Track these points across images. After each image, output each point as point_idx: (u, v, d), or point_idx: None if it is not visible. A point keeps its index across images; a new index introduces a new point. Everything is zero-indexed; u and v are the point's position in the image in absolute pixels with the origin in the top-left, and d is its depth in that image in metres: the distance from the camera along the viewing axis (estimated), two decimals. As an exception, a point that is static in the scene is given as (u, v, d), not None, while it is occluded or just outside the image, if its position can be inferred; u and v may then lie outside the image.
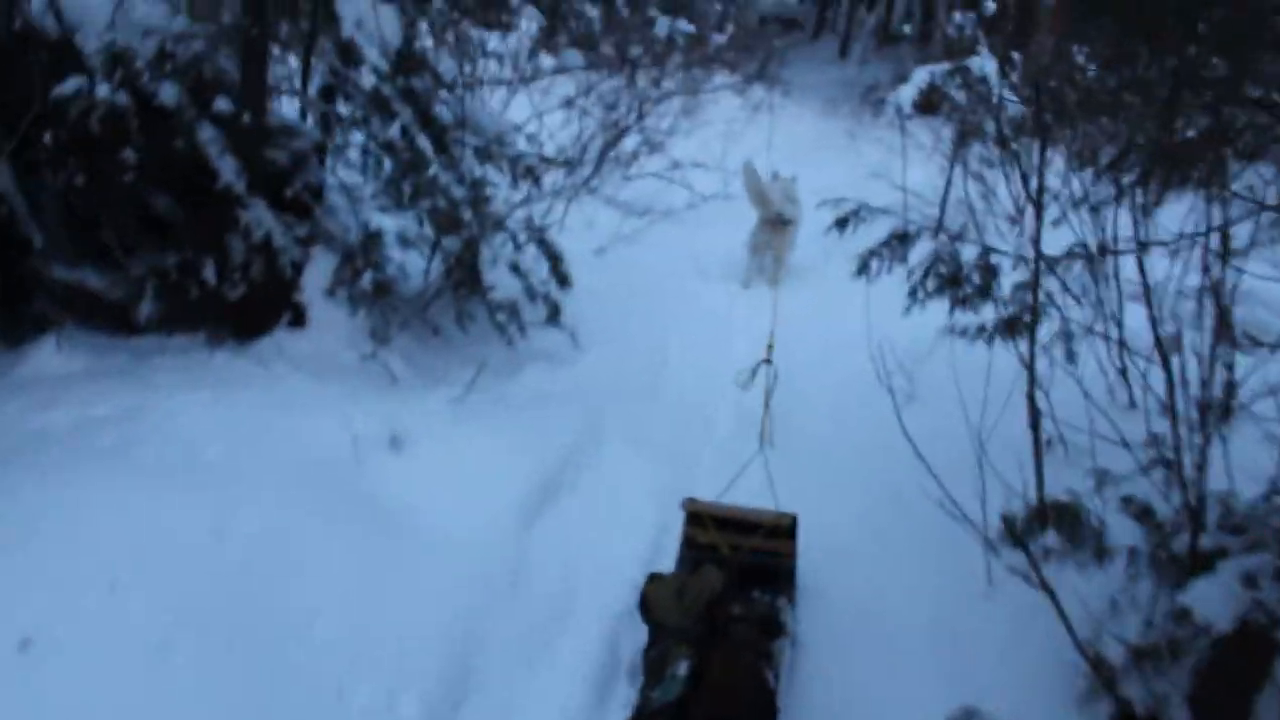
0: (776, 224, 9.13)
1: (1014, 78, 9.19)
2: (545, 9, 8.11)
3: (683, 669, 3.63)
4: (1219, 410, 4.25)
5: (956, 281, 4.85)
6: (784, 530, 4.54)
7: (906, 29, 18.44)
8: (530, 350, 6.49)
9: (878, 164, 13.19)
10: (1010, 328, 4.82)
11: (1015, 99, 8.85)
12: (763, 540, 4.51)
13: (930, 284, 4.94)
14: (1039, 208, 5.34)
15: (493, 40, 9.75)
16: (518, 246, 6.59)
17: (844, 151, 14.82)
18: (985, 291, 4.86)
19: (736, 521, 4.55)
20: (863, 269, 5.10)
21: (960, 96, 9.63)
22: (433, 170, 5.53)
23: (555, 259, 6.96)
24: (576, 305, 7.10)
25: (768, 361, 6.11)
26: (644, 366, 6.77)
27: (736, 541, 4.50)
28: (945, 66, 9.78)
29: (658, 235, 9.18)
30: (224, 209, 5.98)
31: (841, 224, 5.15)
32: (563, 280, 7.04)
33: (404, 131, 5.55)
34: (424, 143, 5.56)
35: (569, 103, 9.22)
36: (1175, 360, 4.48)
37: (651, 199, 9.92)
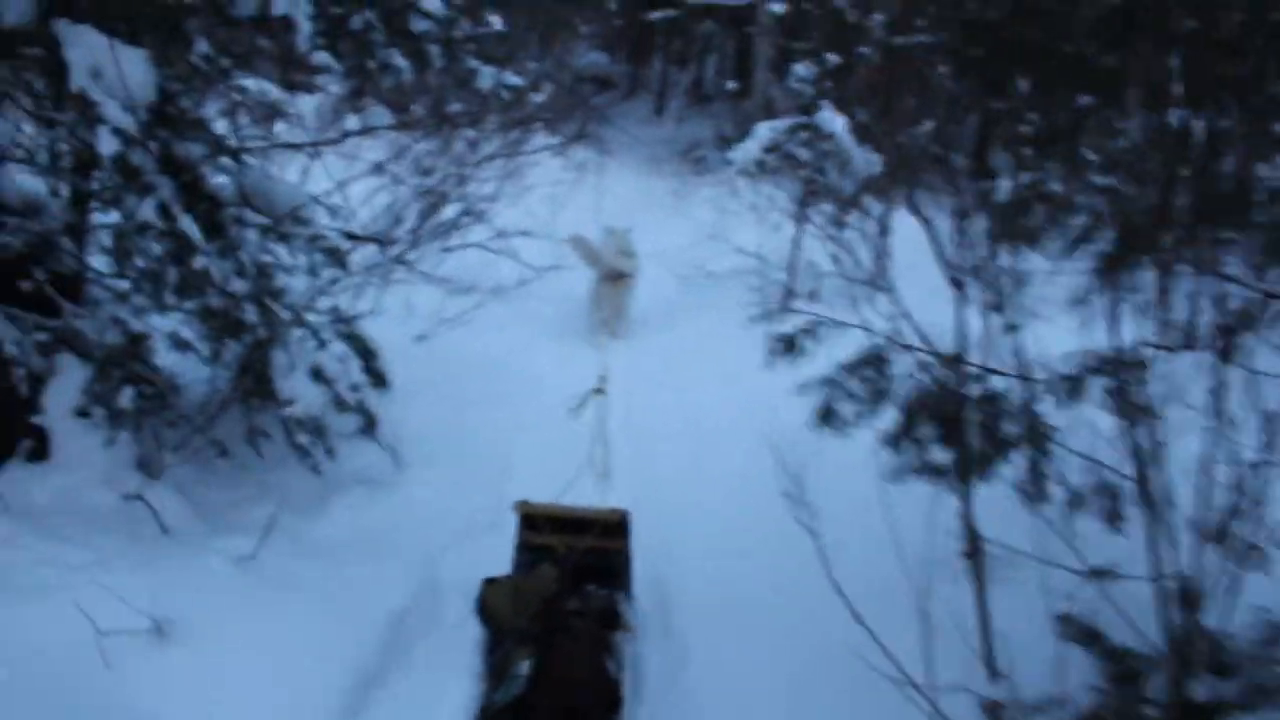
0: (613, 278, 8.90)
1: (873, 132, 8.44)
2: (349, 66, 6.95)
3: (524, 668, 3.56)
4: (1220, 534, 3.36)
5: (954, 424, 3.78)
6: (617, 526, 4.50)
7: (731, 85, 17.83)
8: (341, 474, 5.16)
9: (710, 224, 12.37)
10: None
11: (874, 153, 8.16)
12: (596, 538, 4.47)
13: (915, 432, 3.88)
14: (958, 285, 4.40)
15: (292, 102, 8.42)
16: (321, 344, 5.28)
17: (673, 212, 13.96)
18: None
19: (570, 520, 4.50)
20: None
21: (803, 153, 8.82)
22: (201, 260, 4.20)
23: (368, 355, 5.69)
24: (396, 409, 5.83)
25: (599, 391, 5.92)
26: (484, 482, 5.47)
27: (571, 541, 4.44)
28: (786, 122, 8.97)
29: (487, 316, 7.93)
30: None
31: (789, 346, 4.09)
32: (379, 380, 5.76)
33: (163, 210, 4.20)
34: (189, 224, 4.22)
35: (379, 168, 7.92)
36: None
37: (476, 274, 8.69)
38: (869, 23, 15.82)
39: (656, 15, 19.64)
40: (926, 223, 4.14)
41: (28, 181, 5.40)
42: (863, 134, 8.49)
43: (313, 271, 5.66)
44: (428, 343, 7.33)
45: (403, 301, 7.50)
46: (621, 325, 8.90)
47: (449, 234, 8.86)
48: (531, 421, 6.32)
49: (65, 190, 5.28)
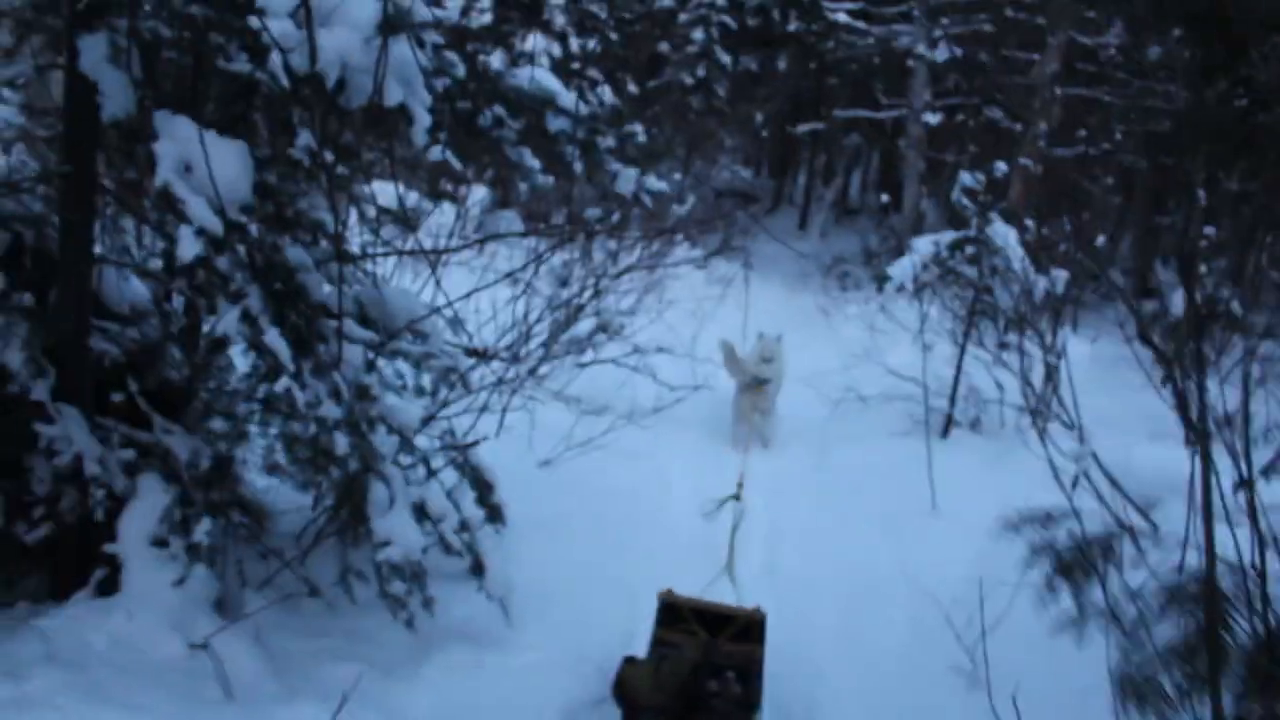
0: (753, 386, 8.53)
1: (1047, 247, 7.57)
2: (481, 168, 6.45)
3: None
4: None
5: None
6: (755, 626, 4.46)
7: (882, 198, 17.06)
8: (442, 626, 4.39)
9: (857, 342, 11.50)
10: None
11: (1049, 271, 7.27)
12: (732, 638, 4.42)
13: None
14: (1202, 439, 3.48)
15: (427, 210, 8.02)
16: (430, 474, 4.60)
17: (819, 329, 13.17)
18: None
19: (710, 615, 4.49)
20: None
21: (968, 269, 7.96)
22: (284, 381, 3.57)
23: (483, 487, 4.99)
24: (511, 546, 5.09)
25: (736, 498, 5.96)
26: (612, 645, 4.62)
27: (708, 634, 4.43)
28: (949, 236, 8.14)
29: (621, 441, 7.18)
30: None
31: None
32: (494, 514, 5.04)
33: (248, 320, 3.60)
34: (275, 338, 3.59)
35: (510, 277, 7.36)
36: None
37: (611, 395, 8.00)
38: (1028, 133, 15.00)
39: (802, 128, 19.07)
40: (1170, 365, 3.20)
41: (139, 288, 4.96)
42: (1036, 249, 7.62)
43: (424, 392, 5.03)
44: (553, 470, 6.62)
45: (528, 423, 6.80)
46: (767, 429, 8.51)
47: (583, 350, 8.23)
48: (664, 566, 5.48)
49: (177, 297, 4.81)
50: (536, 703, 4.14)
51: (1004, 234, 7.65)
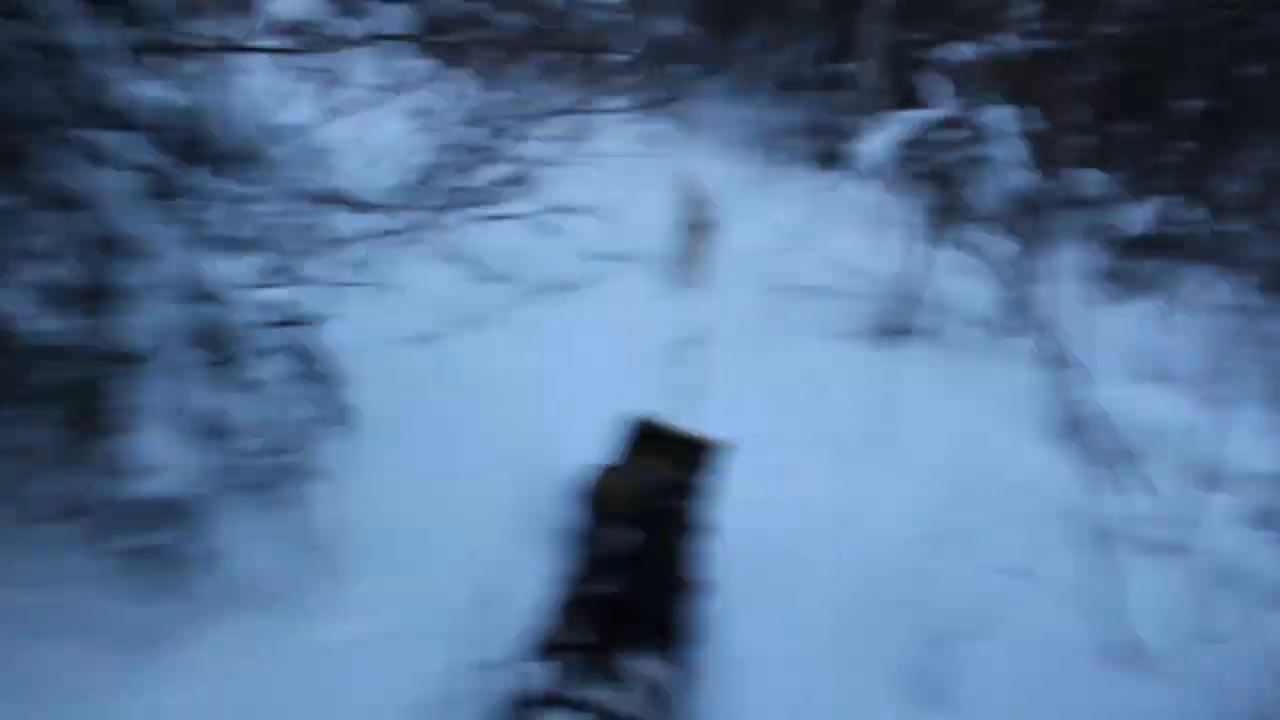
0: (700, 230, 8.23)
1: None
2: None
3: (636, 537, 3.46)
4: None
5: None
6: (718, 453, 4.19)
7: (850, 67, 15.48)
8: (224, 584, 3.03)
9: (797, 223, 10.20)
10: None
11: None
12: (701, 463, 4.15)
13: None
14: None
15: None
16: (240, 363, 3.21)
17: (755, 204, 11.81)
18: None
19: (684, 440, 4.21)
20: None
21: (952, 156, 6.63)
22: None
23: (320, 379, 3.62)
24: (358, 461, 3.75)
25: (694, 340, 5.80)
26: (491, 598, 3.30)
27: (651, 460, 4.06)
28: (930, 115, 6.76)
29: (528, 319, 5.79)
30: None
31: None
32: (335, 415, 3.68)
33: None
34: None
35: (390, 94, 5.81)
36: None
37: (520, 261, 6.59)
38: (1010, 13, 13.52)
39: (757, -16, 17.31)
40: None
41: None
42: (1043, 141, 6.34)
43: (254, 248, 3.60)
44: (433, 349, 5.21)
45: (403, 284, 5.37)
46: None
47: (487, 202, 6.79)
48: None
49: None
50: (364, 699, 2.85)
51: (1002, 119, 6.32)
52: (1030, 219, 6.49)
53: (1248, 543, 4.36)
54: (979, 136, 6.41)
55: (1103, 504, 4.10)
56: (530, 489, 4.02)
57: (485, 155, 7.01)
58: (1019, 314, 6.51)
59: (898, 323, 6.89)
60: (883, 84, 15.51)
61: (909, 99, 13.18)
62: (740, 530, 3.89)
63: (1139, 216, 10.35)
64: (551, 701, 2.82)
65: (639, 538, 3.48)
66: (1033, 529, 4.23)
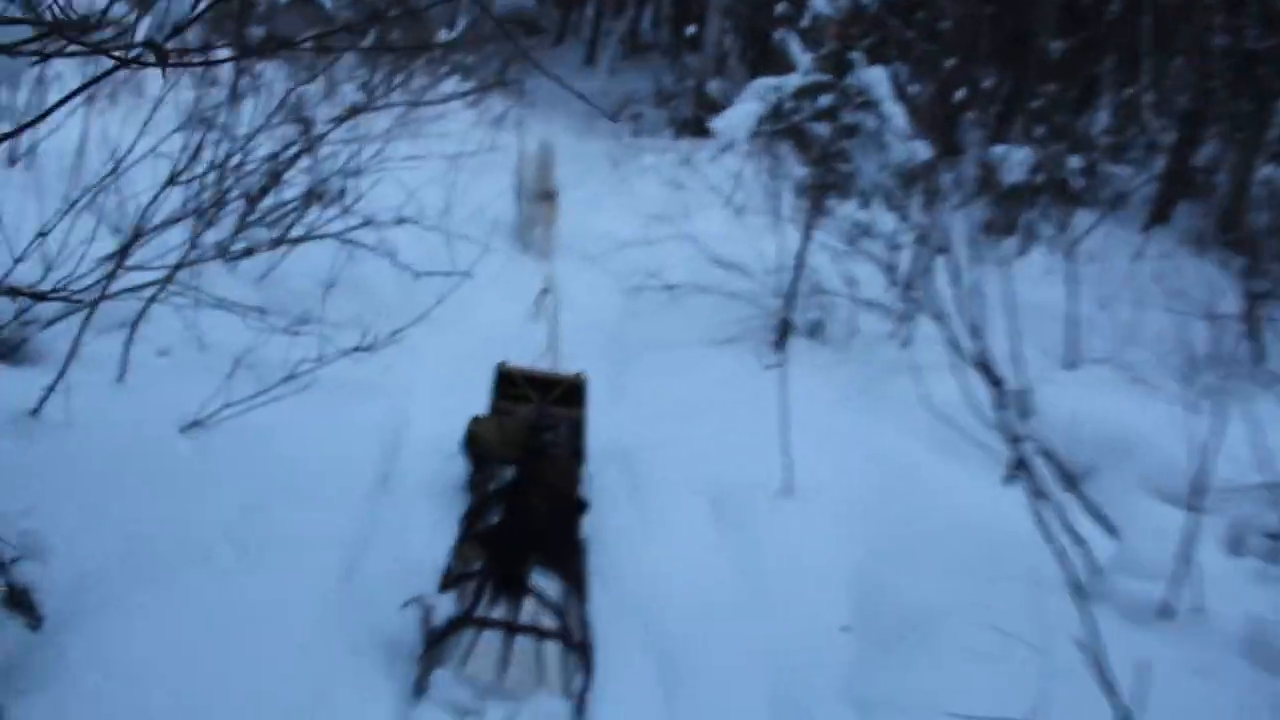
0: (543, 199, 8.27)
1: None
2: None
3: (509, 474, 3.86)
4: None
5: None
6: (577, 389, 4.65)
7: (687, 30, 14.39)
8: None
9: (655, 202, 9.22)
10: None
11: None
12: (559, 400, 4.62)
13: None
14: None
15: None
16: None
17: (609, 183, 10.76)
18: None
19: (540, 380, 4.70)
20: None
21: (819, 127, 5.69)
22: None
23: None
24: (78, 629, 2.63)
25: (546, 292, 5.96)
26: None
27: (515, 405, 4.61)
28: (793, 80, 5.81)
29: (338, 379, 4.59)
30: None
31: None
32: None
33: None
34: None
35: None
36: None
37: (318, 294, 5.38)
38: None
39: (592, -53, 16.16)
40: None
41: None
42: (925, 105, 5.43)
43: None
44: (207, 439, 3.96)
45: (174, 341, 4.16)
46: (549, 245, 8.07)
47: (286, 224, 5.59)
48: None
49: None
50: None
51: (876, 80, 5.39)
52: (917, 187, 5.60)
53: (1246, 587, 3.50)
54: (851, 100, 5.49)
55: (1063, 552, 3.20)
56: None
57: (281, 167, 5.78)
58: (915, 299, 5.64)
59: (779, 323, 5.95)
60: (730, 46, 14.62)
61: (764, 61, 12.26)
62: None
63: (1015, 163, 9.66)
64: (459, 625, 3.03)
65: (512, 473, 3.85)
66: (989, 593, 3.33)
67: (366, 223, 5.89)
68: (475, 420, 4.21)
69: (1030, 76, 10.73)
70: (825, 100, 5.54)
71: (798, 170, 6.05)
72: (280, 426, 3.96)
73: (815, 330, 5.98)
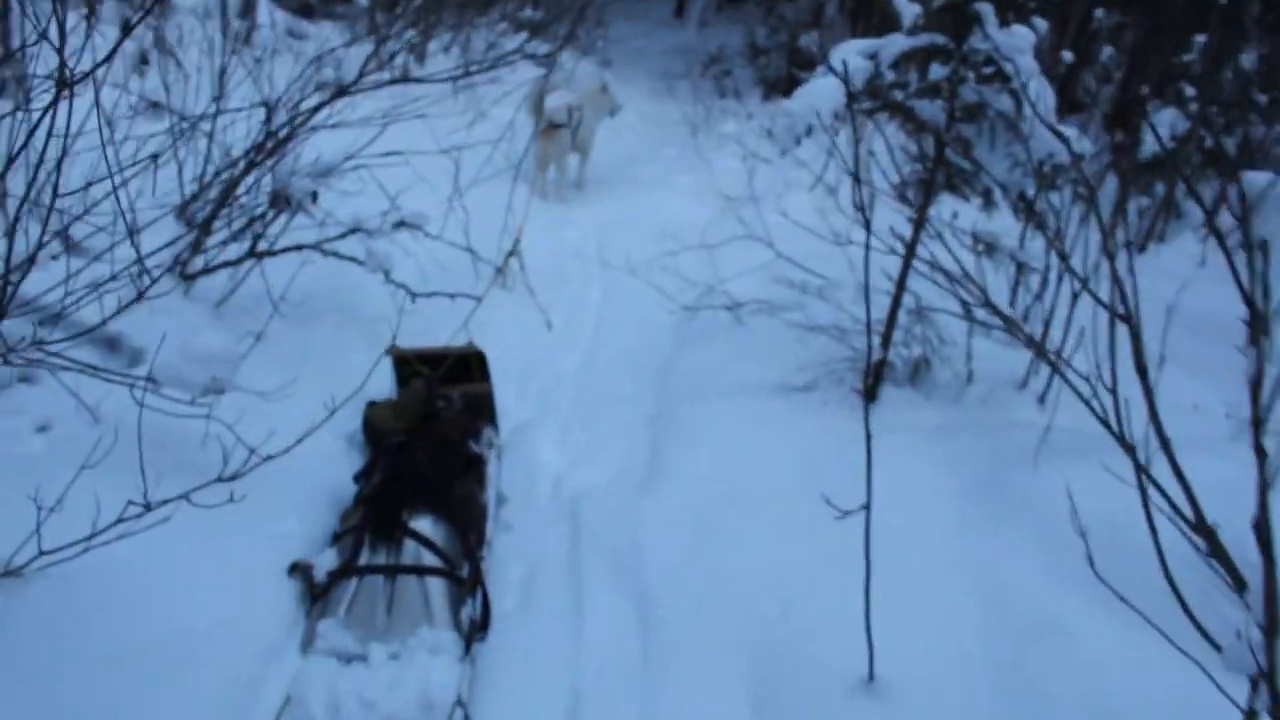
0: (548, 130, 7.57)
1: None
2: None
3: (398, 440, 3.76)
4: None
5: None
6: (476, 361, 4.40)
7: None
8: None
9: (733, 179, 7.68)
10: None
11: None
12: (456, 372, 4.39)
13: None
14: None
15: None
16: None
17: (686, 156, 9.26)
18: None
19: (434, 356, 4.40)
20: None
21: (929, 107, 4.16)
22: None
23: None
24: None
25: (514, 253, 5.34)
26: None
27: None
28: (898, 42, 4.27)
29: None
30: None
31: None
32: None
33: None
34: None
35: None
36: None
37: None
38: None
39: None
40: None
41: None
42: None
43: None
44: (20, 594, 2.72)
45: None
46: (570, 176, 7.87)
47: (252, 238, 4.35)
48: None
49: None
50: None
51: (1017, 42, 3.81)
52: (1063, 189, 4.06)
53: None
54: (976, 71, 3.95)
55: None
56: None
57: (250, 161, 4.52)
58: (1044, 346, 4.11)
59: (871, 366, 4.47)
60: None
61: (865, 10, 10.47)
62: None
63: (1161, 126, 7.91)
64: (339, 575, 3.00)
65: (401, 440, 3.75)
66: None
67: (351, 231, 4.61)
68: (370, 405, 4.13)
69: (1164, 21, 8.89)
70: (939, 70, 4.00)
71: (907, 159, 4.52)
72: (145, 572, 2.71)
73: (917, 373, 4.49)
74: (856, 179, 2.91)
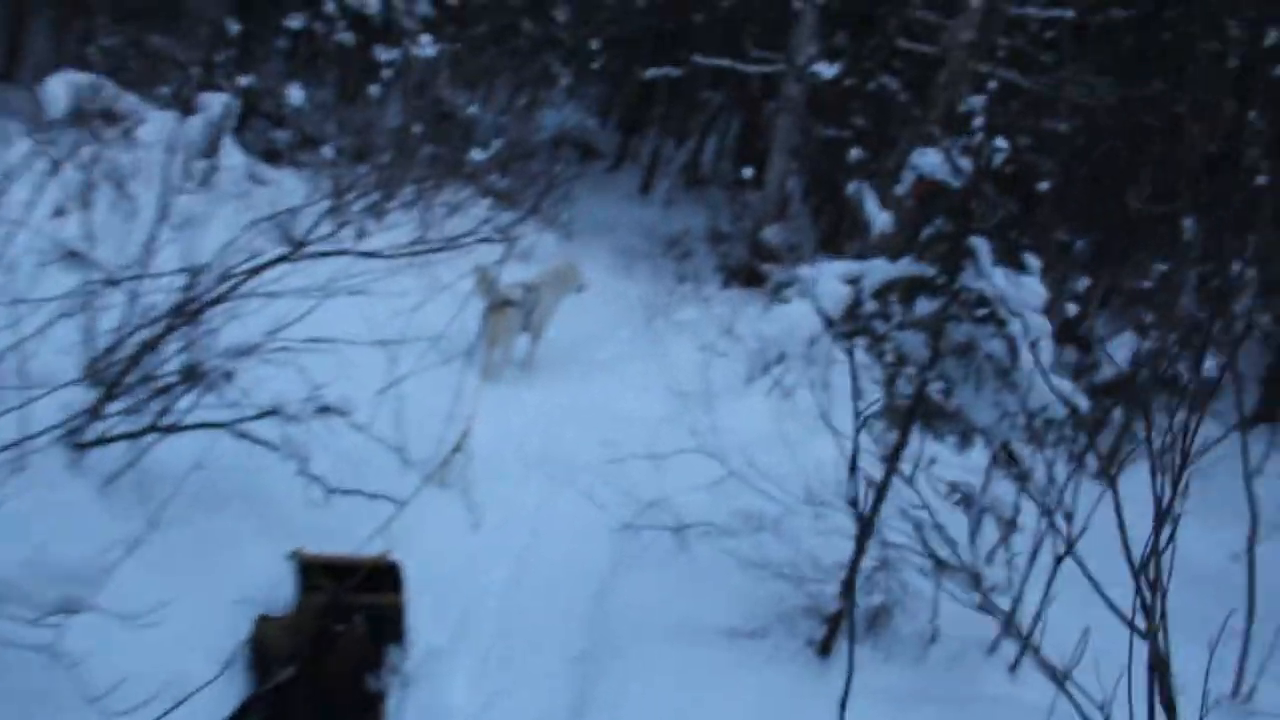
0: (500, 309, 7.14)
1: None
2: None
3: (288, 672, 3.25)
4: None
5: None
6: (385, 574, 3.97)
7: (745, 172, 12.64)
8: None
9: (688, 370, 7.31)
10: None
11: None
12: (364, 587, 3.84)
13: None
14: None
15: None
16: None
17: (640, 342, 8.94)
18: None
19: (344, 567, 3.89)
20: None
21: (911, 340, 3.81)
22: None
23: None
24: None
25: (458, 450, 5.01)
26: None
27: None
28: (879, 270, 3.90)
29: None
30: None
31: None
32: None
33: None
34: None
35: None
36: None
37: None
38: (927, 115, 10.99)
39: (653, 72, 14.69)
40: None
41: None
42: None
43: None
44: None
45: None
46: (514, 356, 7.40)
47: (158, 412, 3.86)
48: None
49: None
50: None
51: (1022, 290, 3.47)
52: (1057, 444, 3.70)
53: None
54: (967, 310, 3.63)
55: None
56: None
57: (168, 327, 4.05)
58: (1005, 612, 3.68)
59: (828, 617, 3.98)
60: (794, 189, 12.93)
61: (835, 211, 10.33)
62: None
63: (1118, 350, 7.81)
64: None
65: (284, 677, 3.23)
66: None
67: (269, 413, 4.12)
68: (260, 620, 3.60)
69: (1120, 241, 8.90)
70: (926, 305, 3.68)
71: (885, 389, 4.15)
72: None
73: (878, 620, 4.02)
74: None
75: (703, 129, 18.21)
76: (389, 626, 3.84)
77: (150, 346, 4.08)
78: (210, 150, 9.53)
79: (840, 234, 10.46)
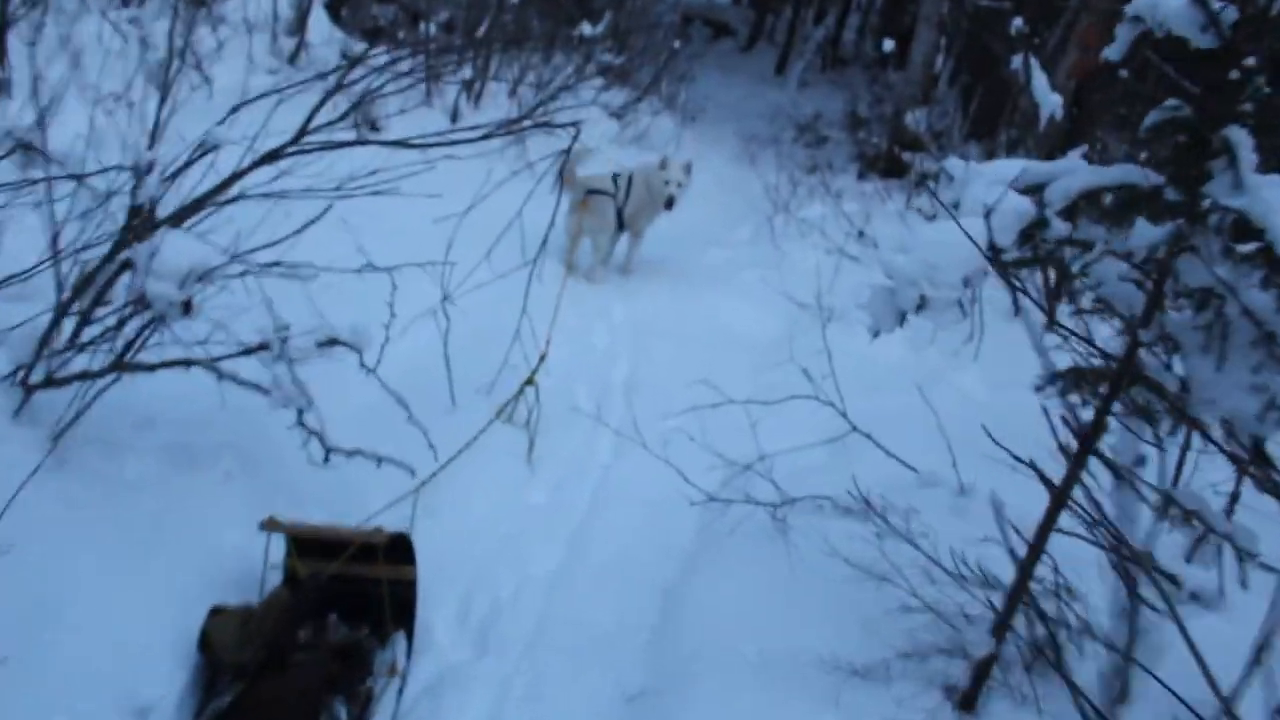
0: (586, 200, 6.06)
1: None
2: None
3: (224, 702, 2.59)
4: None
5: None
6: (385, 551, 2.95)
7: (885, 46, 10.94)
8: None
9: (811, 279, 6.02)
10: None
11: None
12: (350, 563, 2.97)
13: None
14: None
15: None
16: None
17: (759, 243, 7.68)
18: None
19: (332, 543, 3.02)
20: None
21: (1124, 288, 2.59)
22: None
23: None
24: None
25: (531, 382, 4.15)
26: None
27: (319, 566, 3.03)
28: (1080, 175, 2.67)
29: None
30: None
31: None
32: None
33: None
34: None
35: None
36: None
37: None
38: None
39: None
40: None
41: None
42: None
43: None
44: None
45: None
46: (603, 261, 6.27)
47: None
48: None
49: None
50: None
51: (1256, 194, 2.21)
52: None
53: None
54: (1219, 240, 2.33)
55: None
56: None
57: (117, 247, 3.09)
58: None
59: (976, 664, 2.82)
60: (943, 67, 11.20)
61: (987, 89, 8.87)
62: None
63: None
64: None
65: (225, 704, 2.58)
66: None
67: (258, 347, 3.14)
68: (213, 612, 2.79)
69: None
70: (1148, 229, 2.40)
71: (1051, 350, 2.91)
72: None
73: (1039, 656, 2.86)
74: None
75: (844, 3, 16.34)
76: (384, 615, 3.01)
77: (111, 259, 3.13)
78: (298, 26, 8.56)
79: (997, 121, 8.81)
